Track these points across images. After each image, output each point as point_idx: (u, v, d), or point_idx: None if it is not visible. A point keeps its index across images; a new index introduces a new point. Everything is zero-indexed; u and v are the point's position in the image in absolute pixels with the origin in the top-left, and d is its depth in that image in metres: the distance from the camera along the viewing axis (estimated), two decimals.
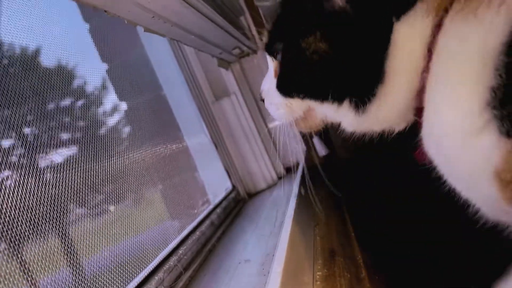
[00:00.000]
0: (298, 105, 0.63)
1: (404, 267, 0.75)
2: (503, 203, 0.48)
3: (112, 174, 0.84)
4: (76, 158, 0.76)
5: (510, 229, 0.50)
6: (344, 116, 0.59)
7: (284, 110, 0.65)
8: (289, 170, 1.38)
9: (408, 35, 0.52)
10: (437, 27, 0.50)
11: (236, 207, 1.21)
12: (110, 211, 0.83)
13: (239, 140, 1.33)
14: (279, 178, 1.36)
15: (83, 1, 0.53)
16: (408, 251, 0.65)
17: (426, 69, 0.51)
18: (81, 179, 0.74)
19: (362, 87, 0.54)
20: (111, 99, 1.03)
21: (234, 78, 1.33)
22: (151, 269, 0.73)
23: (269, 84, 0.68)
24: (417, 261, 0.76)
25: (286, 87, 0.63)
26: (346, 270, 0.63)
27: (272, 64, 0.67)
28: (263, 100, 0.71)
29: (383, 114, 0.56)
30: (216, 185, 1.27)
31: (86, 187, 0.75)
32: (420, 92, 0.52)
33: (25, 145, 0.64)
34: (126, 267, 0.75)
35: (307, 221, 0.78)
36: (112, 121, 1.00)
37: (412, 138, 0.60)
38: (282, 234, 0.63)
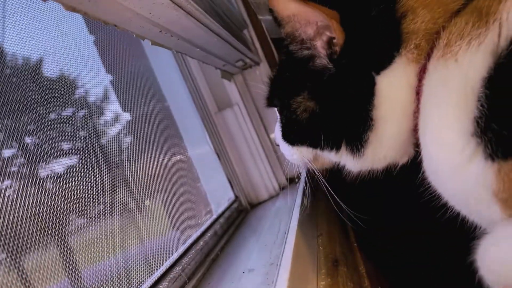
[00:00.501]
0: (306, 151, 0.67)
1: (407, 277, 0.76)
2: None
3: (115, 185, 0.85)
4: (79, 168, 0.77)
5: None
6: (345, 160, 0.63)
7: (296, 155, 0.70)
8: (291, 180, 1.39)
9: (391, 85, 0.55)
10: (422, 72, 0.53)
11: (239, 217, 1.21)
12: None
13: (241, 151, 1.35)
14: (282, 188, 1.37)
15: (95, 18, 0.55)
16: (411, 261, 0.66)
17: (416, 110, 0.54)
18: (85, 189, 0.75)
19: (353, 136, 0.58)
20: (114, 109, 1.04)
21: (237, 90, 1.35)
22: (156, 278, 0.74)
23: (277, 131, 0.72)
24: (420, 270, 0.77)
25: (288, 138, 0.69)
26: (349, 279, 0.64)
27: (277, 114, 0.72)
28: (278, 145, 0.76)
29: (381, 155, 0.59)
30: (218, 196, 1.28)
31: (89, 197, 0.75)
32: (416, 130, 0.55)
33: (27, 154, 0.65)
34: (131, 277, 0.75)
35: (310, 231, 0.78)
36: (115, 131, 1.01)
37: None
38: (287, 244, 0.64)
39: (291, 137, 0.68)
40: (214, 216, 1.11)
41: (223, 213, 1.14)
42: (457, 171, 0.50)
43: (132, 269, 0.78)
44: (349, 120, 0.57)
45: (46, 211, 0.62)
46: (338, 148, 0.61)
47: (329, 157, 0.65)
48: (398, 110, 0.55)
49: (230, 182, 1.30)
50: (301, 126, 0.62)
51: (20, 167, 0.63)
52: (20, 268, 0.55)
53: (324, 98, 0.59)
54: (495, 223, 0.52)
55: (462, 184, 0.51)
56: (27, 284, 0.56)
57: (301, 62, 0.60)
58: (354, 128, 0.57)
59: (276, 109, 0.72)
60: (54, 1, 0.48)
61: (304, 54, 0.59)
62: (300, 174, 1.33)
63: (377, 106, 0.55)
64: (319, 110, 0.60)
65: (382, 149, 0.58)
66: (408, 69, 0.53)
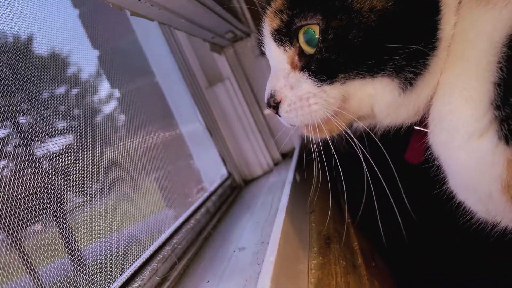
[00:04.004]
0: (336, 92, 0.55)
1: (402, 253, 0.75)
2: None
3: (106, 163, 0.83)
4: (68, 147, 0.75)
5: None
6: (384, 97, 0.54)
7: (318, 105, 0.55)
8: (285, 156, 1.36)
9: None
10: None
11: (232, 194, 1.19)
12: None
13: (234, 127, 1.31)
14: (275, 164, 1.34)
15: None
16: (405, 238, 0.64)
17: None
18: (73, 168, 0.73)
19: (424, 39, 0.50)
20: (103, 86, 1.01)
21: (227, 63, 1.31)
22: (144, 259, 0.72)
23: (284, 80, 0.59)
24: (415, 247, 0.75)
25: (331, 67, 0.54)
26: (341, 257, 0.62)
27: (283, 56, 0.59)
28: (275, 106, 0.60)
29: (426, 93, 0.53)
30: (212, 173, 1.26)
31: (79, 176, 0.74)
32: None
33: (22, 134, 0.64)
34: (119, 258, 0.74)
35: (302, 208, 0.76)
36: (103, 108, 0.98)
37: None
38: (276, 222, 0.62)
39: (338, 62, 0.53)
40: (207, 194, 1.08)
41: (215, 190, 1.12)
42: (468, 142, 0.46)
43: (121, 250, 0.76)
44: (419, 25, 0.50)
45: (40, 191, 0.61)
46: (398, 71, 0.50)
47: (366, 95, 0.54)
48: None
49: (223, 159, 1.27)
50: (365, 34, 0.50)
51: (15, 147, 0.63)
52: (19, 246, 0.55)
53: None
54: (496, 213, 0.49)
55: (468, 160, 0.47)
56: (28, 264, 0.56)
57: None
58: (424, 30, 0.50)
59: (283, 47, 0.58)
60: None
61: None
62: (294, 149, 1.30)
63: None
64: (390, 8, 0.49)
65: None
66: None
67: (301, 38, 0.56)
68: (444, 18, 0.49)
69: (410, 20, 0.50)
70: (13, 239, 0.54)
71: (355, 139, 0.57)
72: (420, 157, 0.59)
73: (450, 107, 0.48)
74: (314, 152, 0.64)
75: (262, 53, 0.68)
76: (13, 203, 0.54)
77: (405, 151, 0.64)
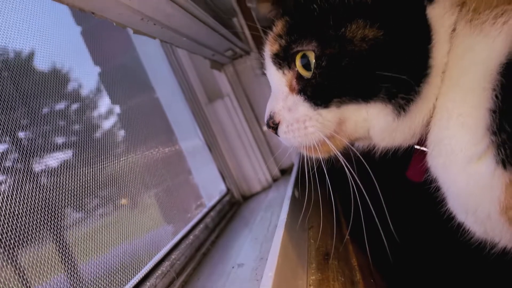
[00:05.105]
0: (331, 116, 0.56)
1: (401, 269, 0.75)
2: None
3: (105, 179, 0.83)
4: (67, 162, 0.75)
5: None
6: (379, 122, 0.55)
7: (314, 128, 0.57)
8: (284, 172, 1.37)
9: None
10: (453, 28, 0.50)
11: (231, 210, 1.19)
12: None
13: (233, 143, 1.32)
14: (274, 180, 1.35)
15: (70, 4, 0.52)
16: (404, 254, 0.64)
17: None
18: (72, 184, 0.73)
19: (415, 68, 0.51)
20: (103, 102, 1.02)
21: (227, 80, 1.32)
22: (143, 275, 0.72)
23: (282, 102, 0.61)
24: (413, 264, 0.75)
25: (325, 92, 0.55)
26: (340, 274, 0.62)
27: (282, 79, 0.61)
28: (274, 127, 0.62)
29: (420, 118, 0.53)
30: (210, 188, 1.26)
31: (78, 192, 0.74)
32: None
33: (20, 149, 0.64)
34: (118, 274, 0.73)
35: (301, 224, 0.76)
36: (104, 124, 0.99)
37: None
38: (275, 238, 0.62)
39: (332, 88, 0.54)
40: (205, 209, 1.09)
41: (214, 206, 1.12)
42: (467, 166, 0.47)
43: (120, 266, 0.76)
44: (410, 53, 0.51)
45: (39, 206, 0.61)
46: (391, 97, 0.52)
47: (362, 119, 0.55)
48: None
49: (222, 175, 1.28)
50: (356, 62, 0.52)
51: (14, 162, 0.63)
52: (16, 263, 0.55)
53: (386, 24, 0.51)
54: (494, 234, 0.50)
55: (466, 183, 0.48)
56: (24, 280, 0.56)
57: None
58: (415, 61, 0.51)
59: (282, 70, 0.60)
60: None
61: None
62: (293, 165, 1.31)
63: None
64: (381, 37, 0.51)
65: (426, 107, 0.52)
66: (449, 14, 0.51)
67: (298, 62, 0.58)
68: (436, 46, 0.50)
69: (400, 50, 0.51)
70: (10, 255, 0.53)
71: (345, 161, 0.59)
72: (422, 175, 0.60)
73: (448, 132, 0.49)
74: (311, 171, 0.65)
75: (264, 74, 0.70)
76: (10, 219, 0.54)
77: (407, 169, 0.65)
